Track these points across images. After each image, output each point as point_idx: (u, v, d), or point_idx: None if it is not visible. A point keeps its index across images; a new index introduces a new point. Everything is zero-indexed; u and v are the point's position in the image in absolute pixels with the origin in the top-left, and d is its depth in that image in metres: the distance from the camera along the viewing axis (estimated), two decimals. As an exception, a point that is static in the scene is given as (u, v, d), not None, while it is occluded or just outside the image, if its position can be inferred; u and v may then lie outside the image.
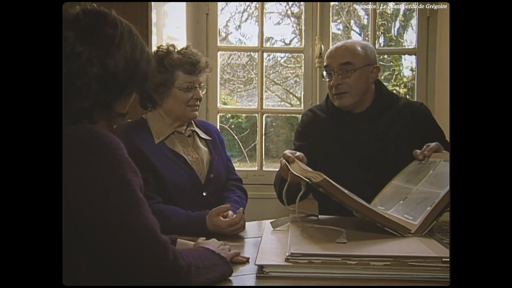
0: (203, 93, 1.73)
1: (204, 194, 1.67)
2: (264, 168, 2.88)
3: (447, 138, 1.82)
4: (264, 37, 2.92)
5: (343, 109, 1.84)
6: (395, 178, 1.62)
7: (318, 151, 1.86)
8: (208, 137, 1.80)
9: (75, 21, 0.95)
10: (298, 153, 1.54)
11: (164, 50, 1.69)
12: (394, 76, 3.58)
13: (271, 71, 3.87)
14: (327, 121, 1.89)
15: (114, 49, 0.96)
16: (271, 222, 1.48)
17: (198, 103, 1.71)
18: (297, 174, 1.35)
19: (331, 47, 1.88)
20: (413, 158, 1.75)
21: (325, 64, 1.85)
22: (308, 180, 1.24)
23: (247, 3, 3.48)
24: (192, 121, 1.78)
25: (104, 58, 0.95)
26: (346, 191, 1.25)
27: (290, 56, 3.80)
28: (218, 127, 2.67)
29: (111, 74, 0.96)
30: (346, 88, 1.79)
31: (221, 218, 1.48)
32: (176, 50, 1.69)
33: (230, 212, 1.52)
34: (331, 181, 1.22)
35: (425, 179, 1.48)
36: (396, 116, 1.83)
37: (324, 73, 1.85)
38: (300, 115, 2.93)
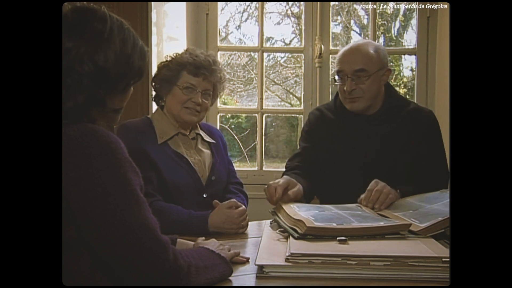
0: (208, 101, 1.70)
1: (204, 195, 1.67)
2: (264, 168, 2.87)
3: (447, 139, 1.81)
4: (264, 37, 2.92)
5: (355, 112, 1.81)
6: (410, 197, 1.60)
7: (323, 152, 1.85)
8: (212, 140, 1.80)
9: (63, 18, 0.94)
10: (291, 192, 1.52)
11: (185, 51, 1.72)
12: (394, 76, 3.58)
13: (271, 71, 3.87)
14: (335, 122, 1.87)
15: (103, 44, 0.95)
16: (270, 223, 1.49)
17: (198, 108, 1.67)
18: (283, 225, 1.33)
19: (343, 50, 1.82)
20: (417, 162, 1.75)
21: (337, 68, 1.79)
22: (294, 232, 1.22)
23: (247, 3, 3.48)
24: (197, 124, 1.78)
25: (93, 54, 0.94)
26: (334, 225, 1.23)
27: (290, 56, 3.81)
28: (218, 127, 2.67)
29: (102, 70, 0.95)
30: (360, 93, 1.76)
31: (233, 210, 1.51)
32: (194, 54, 1.69)
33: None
34: (316, 225, 1.20)
35: (442, 203, 1.45)
36: (404, 120, 1.81)
37: (336, 77, 1.81)
38: (300, 115, 2.94)
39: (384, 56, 1.81)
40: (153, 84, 1.74)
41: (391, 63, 3.55)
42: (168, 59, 1.72)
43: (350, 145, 1.81)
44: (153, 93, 1.78)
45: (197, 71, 1.66)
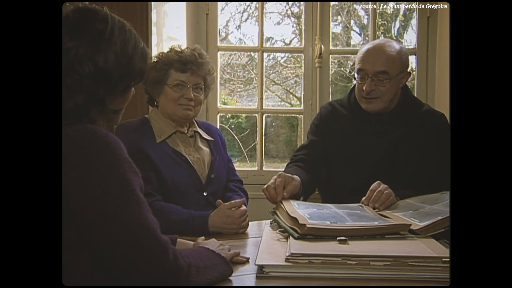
0: (200, 95, 1.70)
1: (204, 194, 1.67)
2: (264, 168, 2.87)
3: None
4: (264, 37, 2.92)
5: (369, 111, 1.80)
6: (410, 198, 1.60)
7: (331, 147, 1.84)
8: (210, 138, 1.79)
9: (64, 18, 0.95)
10: (285, 192, 1.53)
11: (170, 50, 1.70)
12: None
13: (271, 71, 3.88)
14: (347, 118, 1.86)
15: (104, 44, 0.95)
16: (270, 223, 1.49)
17: (191, 103, 1.67)
18: (283, 225, 1.33)
19: (366, 47, 1.79)
20: (424, 164, 1.75)
21: (358, 67, 1.77)
22: (294, 232, 1.22)
23: (247, 3, 3.48)
24: (195, 122, 1.78)
25: (93, 54, 0.94)
26: (328, 223, 1.24)
27: (290, 56, 3.81)
28: (218, 127, 2.67)
29: (101, 70, 0.95)
30: (378, 93, 1.74)
31: (234, 210, 1.50)
32: (179, 50, 1.69)
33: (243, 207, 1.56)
34: (315, 225, 1.20)
35: (443, 203, 1.45)
36: (416, 122, 1.80)
37: (356, 75, 1.79)
38: (300, 115, 2.94)
39: (406, 59, 1.79)
40: (144, 87, 1.73)
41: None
42: (154, 60, 1.71)
43: (359, 143, 1.80)
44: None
45: (184, 67, 1.66)
